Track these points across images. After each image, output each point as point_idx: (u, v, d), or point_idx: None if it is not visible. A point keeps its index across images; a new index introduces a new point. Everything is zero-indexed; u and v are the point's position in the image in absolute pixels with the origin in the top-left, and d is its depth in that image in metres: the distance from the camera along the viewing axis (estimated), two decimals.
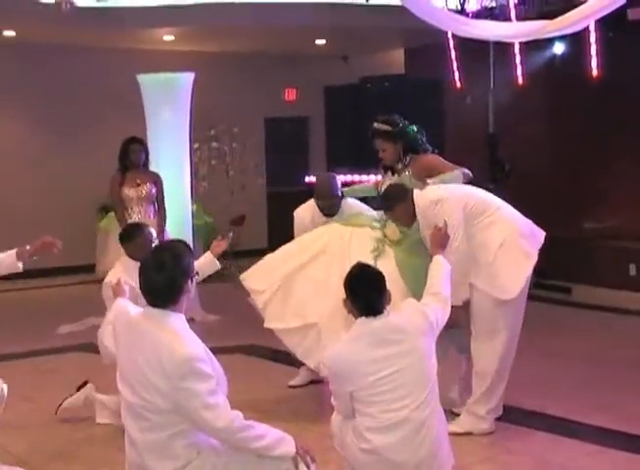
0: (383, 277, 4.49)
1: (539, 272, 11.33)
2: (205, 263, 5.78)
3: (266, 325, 6.41)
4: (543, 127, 12.80)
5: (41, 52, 13.64)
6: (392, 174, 6.68)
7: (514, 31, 7.20)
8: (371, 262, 5.82)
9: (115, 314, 4.21)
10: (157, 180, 9.37)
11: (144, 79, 10.82)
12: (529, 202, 12.24)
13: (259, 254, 13.82)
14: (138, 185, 9.20)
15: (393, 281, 5.76)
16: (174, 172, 10.31)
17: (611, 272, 11.18)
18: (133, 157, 9.26)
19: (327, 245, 6.42)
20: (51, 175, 14.04)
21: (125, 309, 4.07)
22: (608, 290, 10.96)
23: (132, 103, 11.27)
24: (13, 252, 5.37)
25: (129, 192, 9.20)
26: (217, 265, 5.90)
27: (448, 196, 5.90)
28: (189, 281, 3.83)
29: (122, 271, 6.13)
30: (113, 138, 13.72)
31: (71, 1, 3.52)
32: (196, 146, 13.50)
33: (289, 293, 6.33)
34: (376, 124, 6.68)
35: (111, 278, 6.06)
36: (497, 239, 5.82)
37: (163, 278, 3.75)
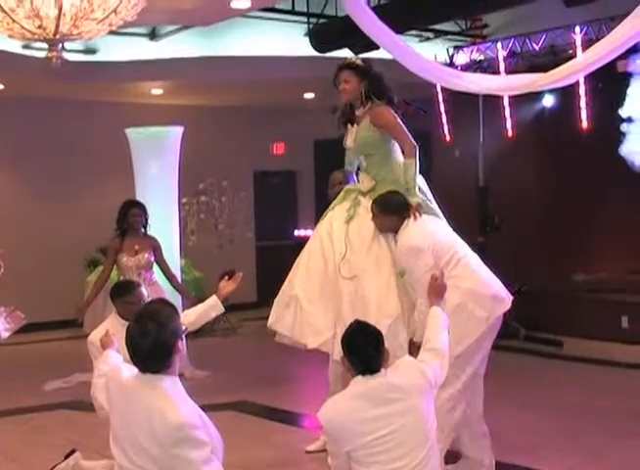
0: (381, 335, 4.41)
1: (530, 325, 11.39)
2: (211, 307, 5.54)
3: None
4: (532, 180, 12.83)
5: (30, 105, 13.62)
6: (352, 125, 6.33)
7: (505, 85, 7.19)
8: (344, 225, 5.90)
9: (109, 376, 4.09)
10: (155, 246, 9.22)
11: (132, 133, 10.78)
12: (519, 254, 12.37)
13: (248, 308, 13.82)
14: (136, 253, 9.06)
15: (365, 243, 5.89)
16: (163, 227, 10.18)
17: (603, 325, 11.14)
18: (132, 221, 9.10)
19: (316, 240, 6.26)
20: (39, 228, 13.92)
21: (118, 371, 3.96)
22: (600, 342, 10.88)
23: (121, 156, 11.23)
24: None
25: (128, 261, 9.03)
26: (222, 309, 5.58)
27: (427, 247, 5.69)
28: (178, 341, 3.73)
29: (111, 325, 6.01)
30: (101, 192, 13.87)
31: (62, 56, 3.50)
32: (184, 200, 13.45)
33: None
34: (347, 58, 6.50)
35: (95, 337, 5.93)
36: (455, 300, 5.58)
37: (151, 343, 3.64)
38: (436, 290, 5.12)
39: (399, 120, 6.16)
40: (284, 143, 16.45)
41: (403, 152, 6.11)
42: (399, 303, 5.79)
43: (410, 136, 6.09)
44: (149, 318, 3.71)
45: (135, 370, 3.80)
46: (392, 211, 5.86)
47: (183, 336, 3.79)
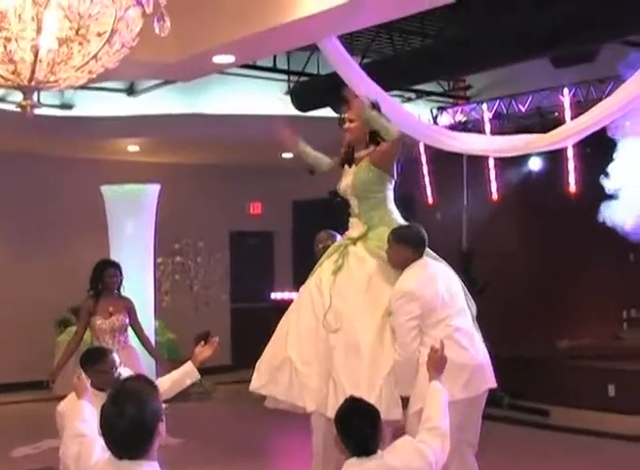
0: (377, 412, 4.08)
1: (514, 393, 11.10)
2: (186, 373, 5.30)
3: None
4: (517, 244, 12.66)
5: (3, 160, 13.33)
6: (350, 166, 6.12)
7: (499, 146, 6.96)
8: (331, 277, 5.67)
9: (82, 452, 3.70)
10: (130, 308, 8.87)
11: (107, 190, 10.56)
12: (503, 319, 12.12)
13: (223, 371, 13.45)
14: (111, 315, 8.69)
15: (359, 290, 5.63)
16: (137, 288, 9.88)
17: (589, 393, 10.90)
18: (108, 281, 8.74)
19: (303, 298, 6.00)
20: (8, 287, 13.58)
21: (90, 450, 3.59)
22: (587, 412, 10.61)
23: (95, 214, 10.95)
24: None
25: (102, 324, 8.66)
26: (197, 376, 5.37)
27: (421, 297, 5.42)
28: (159, 423, 3.34)
29: (76, 401, 5.60)
30: (74, 250, 13.56)
31: (36, 104, 3.22)
32: (159, 260, 13.15)
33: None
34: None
35: (65, 407, 5.55)
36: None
37: (130, 426, 3.25)
38: (436, 363, 4.76)
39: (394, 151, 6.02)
40: (261, 203, 16.26)
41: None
42: (394, 350, 5.51)
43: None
44: (126, 398, 3.32)
45: (107, 457, 3.41)
46: (409, 241, 5.59)
47: (164, 417, 3.41)
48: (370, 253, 5.82)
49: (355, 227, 6.00)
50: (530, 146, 6.58)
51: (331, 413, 5.28)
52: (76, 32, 3.33)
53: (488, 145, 6.84)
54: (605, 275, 12.73)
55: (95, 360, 5.76)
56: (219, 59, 7.68)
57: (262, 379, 5.83)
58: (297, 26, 6.94)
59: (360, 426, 4.03)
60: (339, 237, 6.48)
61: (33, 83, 3.37)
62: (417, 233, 5.67)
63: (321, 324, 5.69)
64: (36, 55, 3.29)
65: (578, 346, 12.15)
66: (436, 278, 5.61)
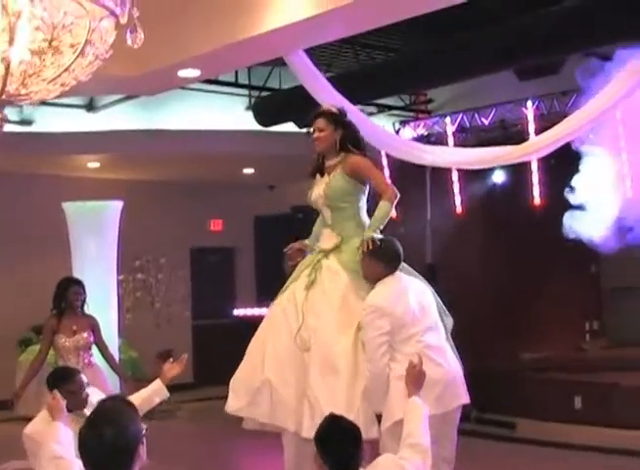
0: (359, 431, 3.99)
1: (481, 406, 11.05)
2: (155, 391, 5.22)
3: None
4: (481, 257, 12.64)
5: None
6: (322, 175, 5.98)
7: (469, 158, 6.92)
8: (304, 292, 5.54)
9: None
10: (94, 326, 8.72)
11: (70, 207, 10.38)
12: (466, 332, 12.06)
13: (185, 389, 13.29)
14: (75, 333, 8.53)
15: (332, 305, 5.51)
16: (100, 305, 9.71)
17: (555, 406, 10.86)
18: (72, 299, 8.60)
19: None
20: None
21: None
22: (554, 424, 10.60)
23: (57, 231, 10.79)
24: None
25: (66, 342, 8.50)
26: (166, 394, 5.32)
27: (391, 313, 5.32)
28: (140, 446, 3.23)
29: (47, 422, 5.47)
30: (35, 268, 13.34)
31: (7, 118, 3.12)
32: (121, 277, 12.96)
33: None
34: (324, 105, 6.18)
35: (34, 429, 5.42)
36: (400, 371, 5.20)
37: (109, 450, 3.14)
38: (415, 378, 4.70)
39: (373, 165, 5.88)
40: (221, 219, 16.14)
41: (381, 198, 5.75)
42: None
43: (390, 183, 5.81)
44: (105, 420, 3.21)
45: None
46: (381, 256, 5.45)
47: (144, 439, 3.30)
48: (344, 266, 5.71)
49: (328, 238, 5.89)
50: (502, 158, 6.55)
51: (306, 433, 5.22)
52: (49, 44, 3.24)
53: (458, 157, 6.79)
54: (567, 287, 12.78)
55: (63, 381, 5.62)
56: (184, 73, 7.60)
57: (241, 401, 5.69)
58: (264, 40, 6.89)
59: (341, 444, 3.95)
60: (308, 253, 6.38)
61: (4, 96, 3.27)
62: (391, 248, 5.57)
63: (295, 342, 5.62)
64: (8, 67, 3.19)
65: (542, 358, 12.15)
66: (408, 293, 5.50)
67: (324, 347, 5.48)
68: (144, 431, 3.27)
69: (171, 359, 5.59)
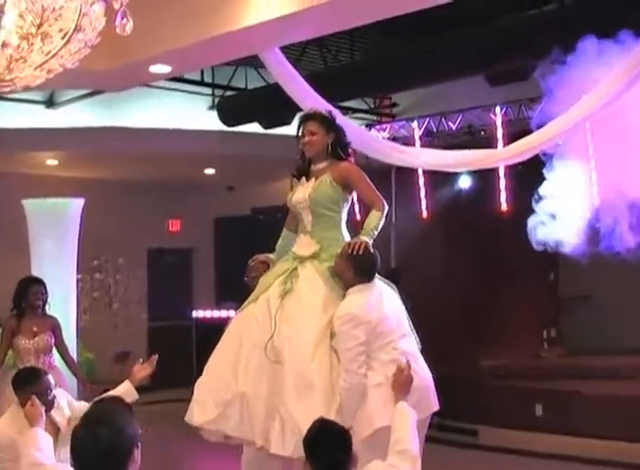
0: (349, 436, 3.87)
1: (443, 414, 10.99)
2: (125, 393, 4.99)
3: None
4: (444, 262, 12.63)
5: None
6: (307, 179, 5.77)
7: (451, 160, 6.80)
8: (277, 300, 5.30)
9: None
10: (55, 327, 8.51)
11: (29, 205, 10.14)
12: (428, 338, 12.03)
13: (140, 392, 13.08)
14: (35, 335, 8.29)
15: (309, 313, 5.31)
16: (60, 306, 9.49)
17: (516, 413, 10.84)
18: (33, 299, 8.38)
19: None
20: None
21: None
22: (516, 432, 10.57)
23: (14, 229, 10.54)
24: None
25: (26, 344, 8.27)
26: (136, 396, 5.16)
27: (367, 322, 5.11)
28: (135, 449, 3.09)
29: (11, 425, 5.27)
30: None
31: None
32: (79, 277, 12.73)
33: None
34: (314, 108, 6.03)
35: None
36: (376, 379, 5.09)
37: (104, 452, 3.00)
38: (402, 383, 4.58)
39: (364, 174, 5.68)
40: (180, 220, 15.95)
41: (371, 209, 5.54)
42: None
43: (378, 194, 5.59)
44: (101, 420, 3.07)
45: None
46: (355, 263, 5.21)
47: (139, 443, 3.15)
48: (321, 275, 5.49)
49: (306, 245, 5.64)
50: (494, 158, 6.46)
51: (275, 449, 5.06)
52: (38, 28, 3.09)
53: (440, 159, 6.68)
54: (527, 295, 12.80)
55: (28, 382, 5.41)
56: (156, 68, 7.43)
57: (210, 413, 5.41)
58: (238, 37, 6.76)
59: (330, 450, 3.82)
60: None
61: None
62: (369, 258, 5.28)
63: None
64: None
65: (501, 365, 12.14)
66: (382, 301, 5.35)
67: (299, 362, 5.24)
68: (140, 434, 3.13)
69: (140, 361, 5.45)
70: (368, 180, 5.64)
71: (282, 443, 5.03)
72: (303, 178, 5.78)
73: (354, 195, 5.80)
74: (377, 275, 5.59)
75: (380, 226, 5.47)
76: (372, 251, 5.28)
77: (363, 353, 5.11)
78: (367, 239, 5.33)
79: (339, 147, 5.69)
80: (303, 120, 5.79)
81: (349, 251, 5.18)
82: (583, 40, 7.39)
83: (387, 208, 5.52)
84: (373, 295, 5.27)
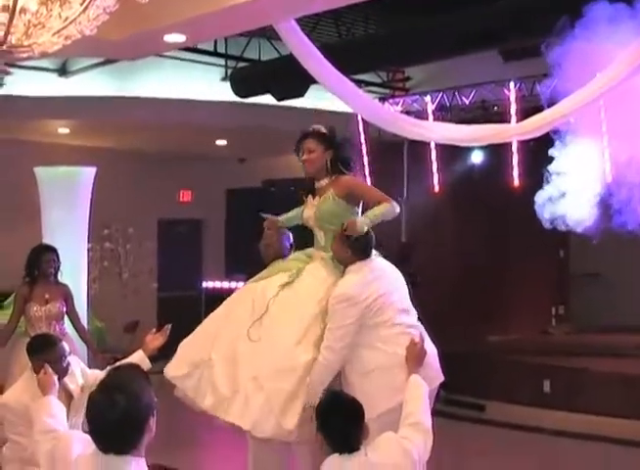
0: (360, 407, 3.88)
1: (450, 387, 11.01)
2: (138, 362, 5.01)
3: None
4: (455, 237, 12.61)
5: None
6: (313, 198, 5.79)
7: (467, 135, 6.73)
8: (276, 289, 5.40)
9: (57, 451, 3.44)
10: (67, 295, 8.52)
11: (41, 172, 10.11)
12: (438, 313, 12.04)
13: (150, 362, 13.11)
14: (47, 302, 8.30)
15: (302, 302, 5.40)
16: (71, 274, 9.45)
17: (524, 389, 10.86)
18: (45, 267, 8.38)
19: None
20: None
21: (68, 447, 3.33)
22: (523, 407, 10.58)
23: (27, 197, 10.53)
24: None
25: (38, 311, 8.28)
26: (149, 365, 5.17)
27: (363, 300, 5.15)
28: (151, 418, 3.12)
29: (25, 391, 5.30)
30: (3, 235, 13.02)
31: (6, 69, 2.98)
32: (89, 246, 12.73)
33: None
34: (312, 126, 5.94)
35: (10, 398, 5.27)
36: (378, 360, 5.12)
37: (120, 418, 3.03)
38: (416, 355, 4.59)
39: (365, 182, 5.75)
40: (191, 191, 15.93)
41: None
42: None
43: (385, 195, 5.57)
44: (118, 388, 3.09)
45: (88, 444, 3.16)
46: (351, 242, 5.25)
47: (155, 411, 3.17)
48: (325, 267, 5.57)
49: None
50: (507, 133, 6.42)
51: (232, 418, 5.20)
52: None
53: (454, 133, 6.63)
54: (537, 271, 12.79)
55: (42, 349, 5.44)
56: (170, 38, 7.37)
57: (180, 370, 5.61)
58: (255, 7, 6.66)
59: (341, 422, 3.84)
60: (289, 238, 6.13)
61: (6, 47, 3.11)
62: (365, 238, 5.32)
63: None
64: (13, 14, 3.02)
65: (509, 341, 12.16)
66: (381, 279, 5.33)
67: (285, 344, 5.33)
68: (156, 402, 3.15)
69: (153, 330, 5.48)
70: (370, 186, 5.80)
71: (241, 415, 5.18)
72: (310, 196, 5.83)
73: (361, 205, 5.75)
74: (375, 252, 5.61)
75: (385, 217, 5.46)
76: (364, 228, 5.27)
77: (350, 335, 5.11)
78: (363, 219, 5.36)
79: (339, 162, 5.70)
80: (302, 139, 5.79)
81: (342, 231, 5.19)
82: (593, 5, 7.27)
83: (397, 207, 5.52)
84: (371, 272, 5.28)
